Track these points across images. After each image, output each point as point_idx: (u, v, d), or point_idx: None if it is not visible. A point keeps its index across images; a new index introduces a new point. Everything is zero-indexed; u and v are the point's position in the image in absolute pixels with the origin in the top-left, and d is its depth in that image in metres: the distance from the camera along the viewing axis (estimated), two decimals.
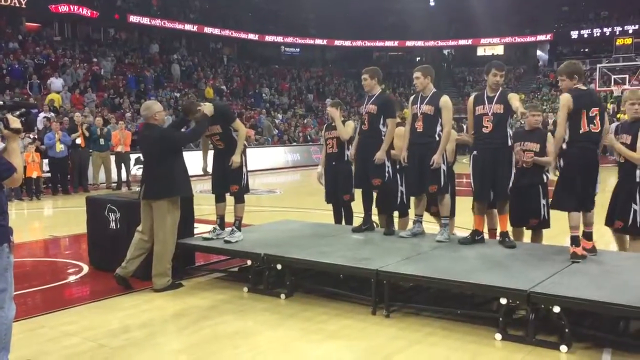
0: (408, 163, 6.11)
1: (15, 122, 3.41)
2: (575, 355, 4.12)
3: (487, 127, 5.65)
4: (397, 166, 6.44)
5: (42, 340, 4.52)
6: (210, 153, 6.56)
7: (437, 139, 5.92)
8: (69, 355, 4.22)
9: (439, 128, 5.93)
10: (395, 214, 6.73)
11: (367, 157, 6.23)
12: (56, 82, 21.09)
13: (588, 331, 4.44)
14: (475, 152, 5.77)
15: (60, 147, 13.96)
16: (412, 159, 6.06)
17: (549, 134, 6.12)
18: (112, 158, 15.34)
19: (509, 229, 5.89)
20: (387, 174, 6.28)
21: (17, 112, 3.52)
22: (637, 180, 5.39)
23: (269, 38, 38.90)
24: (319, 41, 41.58)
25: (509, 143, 5.65)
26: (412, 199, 6.46)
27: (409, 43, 43.55)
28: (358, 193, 6.67)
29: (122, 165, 15.33)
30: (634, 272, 4.83)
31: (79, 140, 14.51)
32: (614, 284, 4.45)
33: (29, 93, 20.48)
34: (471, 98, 5.93)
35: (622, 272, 4.82)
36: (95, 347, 4.38)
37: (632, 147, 5.37)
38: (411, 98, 6.23)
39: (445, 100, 5.94)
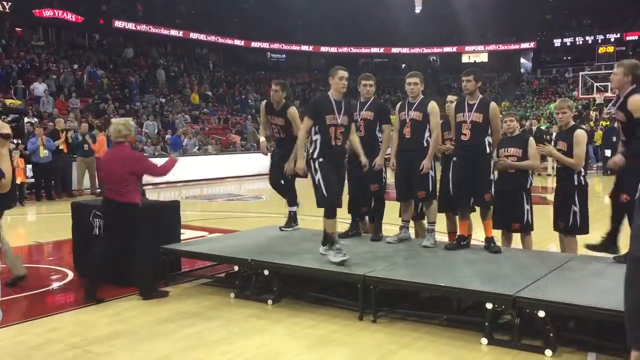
0: (396, 169, 6.15)
1: (4, 128, 3.40)
2: (560, 359, 4.16)
3: (465, 134, 5.74)
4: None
5: (26, 347, 4.47)
6: None
7: (425, 144, 5.97)
8: None
9: (427, 134, 5.99)
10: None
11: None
12: (39, 87, 20.92)
13: (573, 335, 4.49)
14: (454, 159, 5.87)
15: (44, 152, 13.81)
16: (401, 165, 6.10)
17: (532, 139, 6.27)
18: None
19: (494, 233, 5.96)
20: (383, 180, 6.31)
21: (8, 118, 3.51)
22: (575, 183, 5.71)
23: (255, 44, 38.89)
24: (305, 47, 41.68)
25: (487, 151, 5.73)
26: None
27: (394, 50, 43.80)
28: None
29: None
30: (618, 276, 4.87)
31: (61, 146, 14.40)
32: (598, 289, 4.51)
33: (13, 98, 20.28)
34: (453, 105, 6.04)
35: (606, 276, 4.88)
36: (80, 353, 4.34)
37: (568, 153, 5.69)
38: (398, 105, 6.28)
39: (433, 106, 6.00)
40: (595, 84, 28.88)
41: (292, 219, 7.00)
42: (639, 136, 4.94)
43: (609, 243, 5.45)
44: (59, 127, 14.72)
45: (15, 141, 13.33)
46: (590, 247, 5.57)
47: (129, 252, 5.68)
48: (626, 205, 5.13)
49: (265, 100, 7.10)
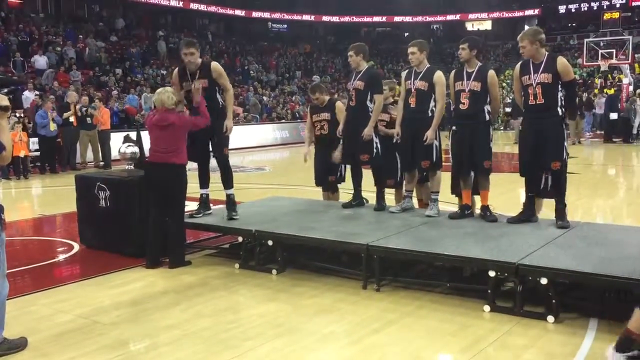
0: (401, 138, 6.13)
1: (3, 100, 3.39)
2: (562, 325, 4.21)
3: (464, 103, 5.71)
4: (394, 141, 6.26)
5: (34, 317, 4.53)
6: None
7: (430, 114, 5.94)
8: (63, 332, 4.24)
9: (432, 104, 5.95)
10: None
11: (355, 133, 6.22)
12: (40, 60, 20.79)
13: (574, 302, 4.53)
14: (454, 128, 5.86)
15: (53, 126, 13.87)
16: (405, 134, 6.08)
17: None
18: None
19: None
20: (375, 150, 6.29)
21: (5, 90, 3.50)
22: None
23: (255, 14, 38.44)
24: (306, 17, 41.13)
25: (487, 119, 5.72)
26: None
27: (397, 18, 43.25)
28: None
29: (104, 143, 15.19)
30: (619, 244, 4.91)
31: (71, 119, 14.39)
32: (600, 256, 4.52)
33: (12, 71, 20.16)
34: (452, 73, 6.00)
35: (607, 244, 4.90)
36: (88, 323, 4.40)
37: None
38: (404, 73, 6.24)
39: (439, 76, 5.95)
40: (600, 51, 28.52)
41: (232, 204, 6.36)
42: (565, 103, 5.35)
43: (531, 212, 5.68)
44: (70, 100, 14.69)
45: (17, 115, 13.35)
46: (511, 220, 5.70)
47: (167, 215, 5.86)
48: (561, 171, 5.38)
49: (175, 70, 6.39)
